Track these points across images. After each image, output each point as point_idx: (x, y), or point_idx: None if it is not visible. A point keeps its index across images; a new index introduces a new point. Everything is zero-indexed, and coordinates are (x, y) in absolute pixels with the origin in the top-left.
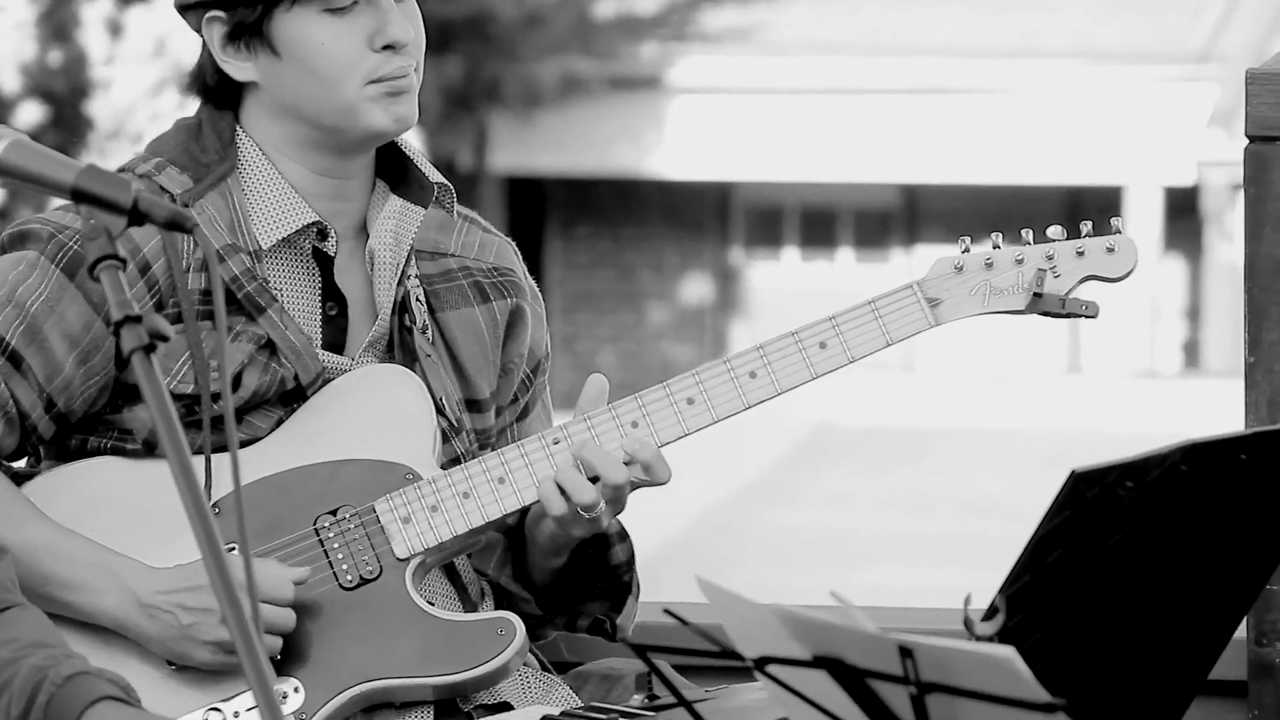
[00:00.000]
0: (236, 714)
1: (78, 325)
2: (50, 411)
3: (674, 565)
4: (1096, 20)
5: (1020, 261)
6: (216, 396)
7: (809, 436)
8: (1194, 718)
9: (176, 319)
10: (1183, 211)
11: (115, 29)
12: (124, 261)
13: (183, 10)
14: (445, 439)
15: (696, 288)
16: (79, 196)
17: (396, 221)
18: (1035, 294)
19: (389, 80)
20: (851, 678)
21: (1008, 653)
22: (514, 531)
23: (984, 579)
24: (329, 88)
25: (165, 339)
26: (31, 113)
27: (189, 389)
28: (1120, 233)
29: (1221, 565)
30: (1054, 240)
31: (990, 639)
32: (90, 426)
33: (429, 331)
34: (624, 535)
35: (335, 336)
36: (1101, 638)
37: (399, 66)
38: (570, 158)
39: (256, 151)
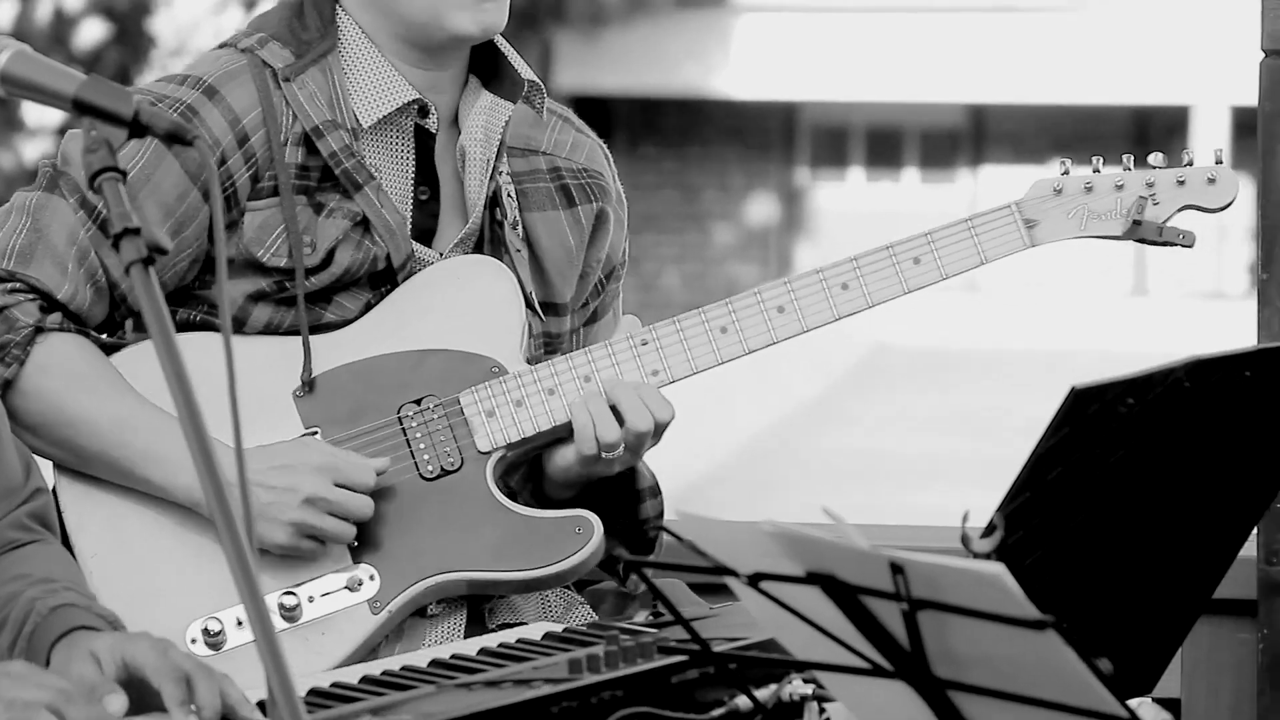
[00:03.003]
0: (311, 599)
1: (172, 195)
2: None
3: (726, 488)
4: None
5: (1120, 187)
6: (310, 271)
7: (866, 358)
8: (1203, 636)
9: (273, 191)
10: (1250, 130)
11: None
12: (124, 174)
13: None
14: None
15: (761, 208)
16: (80, 107)
17: (487, 117)
18: (1135, 221)
19: None
20: (844, 594)
21: (997, 569)
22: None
23: None
24: None
25: (164, 252)
26: (94, 30)
27: (282, 262)
28: (1222, 162)
29: (1226, 483)
30: (1155, 168)
31: (988, 556)
32: (181, 299)
33: (519, 227)
34: (656, 491)
35: (425, 223)
36: (1103, 556)
37: None
38: (636, 77)
39: (358, 32)
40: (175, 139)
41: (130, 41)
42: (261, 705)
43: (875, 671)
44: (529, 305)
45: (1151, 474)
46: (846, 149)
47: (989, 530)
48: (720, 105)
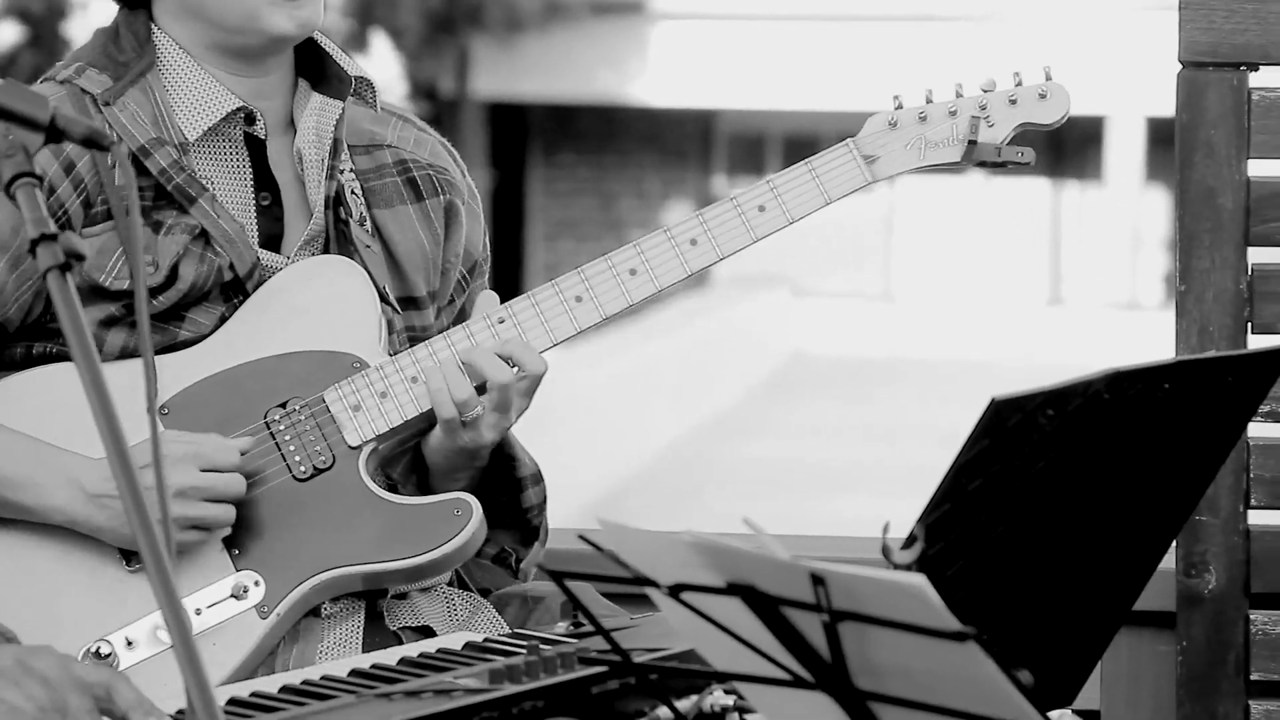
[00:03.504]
0: (198, 610)
1: (6, 229)
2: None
3: (644, 496)
4: None
5: (954, 113)
6: (155, 291)
7: (783, 366)
8: (1123, 648)
9: (106, 216)
10: (1165, 141)
11: None
12: (40, 179)
13: None
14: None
15: (679, 215)
16: None
17: (317, 118)
18: (970, 142)
19: None
20: (765, 605)
21: (918, 580)
22: (417, 449)
23: None
24: None
25: (81, 258)
26: (9, 33)
27: (125, 285)
28: (1051, 79)
29: (1147, 495)
30: (986, 91)
31: (909, 567)
32: (33, 334)
33: (367, 224)
34: (538, 478)
35: (271, 228)
36: (1024, 567)
37: None
38: (553, 83)
39: (175, 47)
40: (92, 144)
41: (45, 45)
42: (179, 716)
43: (796, 683)
44: (384, 299)
45: (1072, 485)
46: (764, 156)
47: (910, 541)
48: (637, 113)
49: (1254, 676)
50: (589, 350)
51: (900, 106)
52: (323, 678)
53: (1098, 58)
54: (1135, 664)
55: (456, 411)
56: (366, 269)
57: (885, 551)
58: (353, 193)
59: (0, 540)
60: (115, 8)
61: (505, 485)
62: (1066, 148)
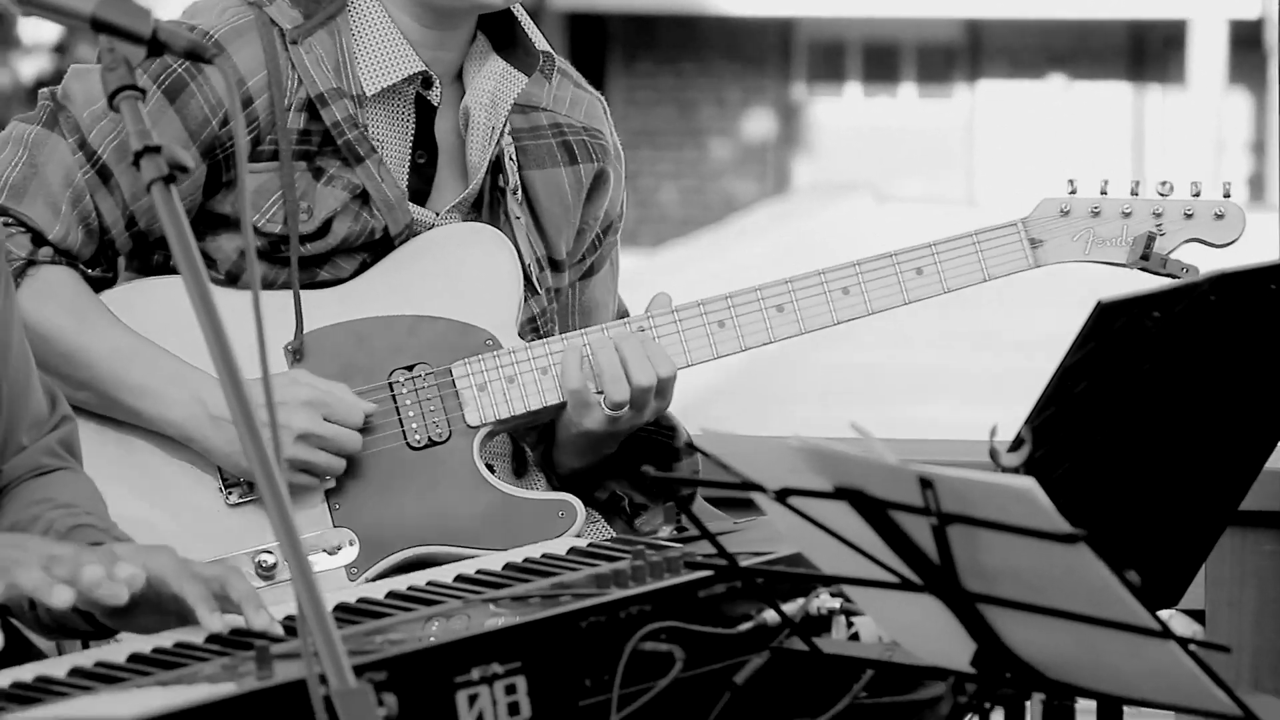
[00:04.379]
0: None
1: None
2: (131, 230)
3: (730, 401)
4: None
5: (1128, 214)
6: (305, 239)
7: None
8: (1227, 549)
9: (272, 155)
10: (1248, 44)
11: None
12: (143, 91)
13: None
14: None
15: (759, 124)
16: (98, 26)
17: (496, 83)
18: (1143, 254)
19: None
20: (873, 509)
21: (1028, 483)
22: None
23: None
24: None
25: (185, 169)
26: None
27: (277, 229)
28: (1230, 195)
29: (1252, 397)
30: (1162, 196)
31: (1016, 470)
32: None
33: (519, 193)
34: (692, 449)
35: (420, 185)
36: (1130, 469)
37: None
38: None
39: None
40: (193, 56)
41: None
42: (289, 621)
43: (904, 585)
44: (527, 280)
45: (1177, 387)
46: (843, 64)
47: (1017, 444)
48: (716, 21)
49: None
50: (673, 257)
51: (1074, 192)
52: (428, 583)
53: None
54: (1240, 564)
55: (605, 410)
56: (516, 244)
57: (993, 454)
58: (510, 159)
59: (107, 455)
60: None
61: (662, 453)
62: (1148, 51)
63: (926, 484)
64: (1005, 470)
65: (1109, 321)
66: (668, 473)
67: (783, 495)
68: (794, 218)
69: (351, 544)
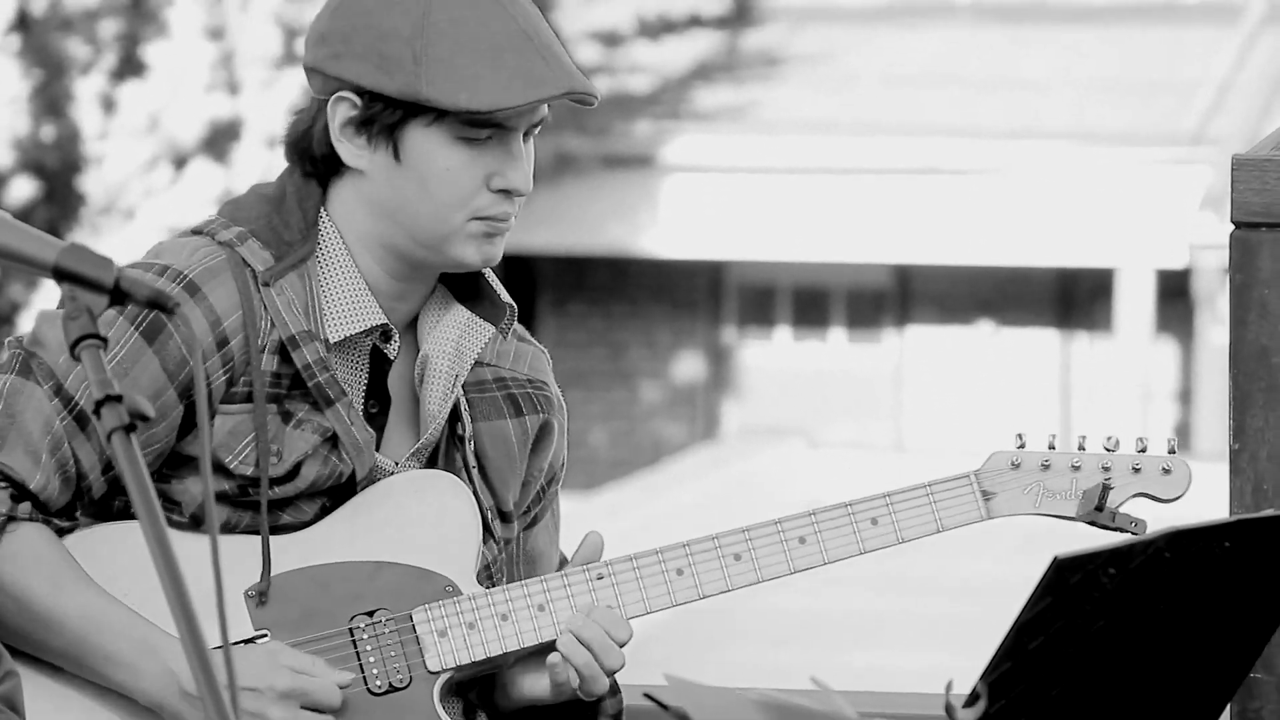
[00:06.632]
0: None
1: (149, 391)
2: (107, 474)
3: (663, 645)
4: (1089, 102)
5: (1077, 468)
6: (274, 481)
7: None
8: None
9: (246, 397)
10: (1174, 294)
11: (108, 105)
12: (104, 340)
13: (311, 71)
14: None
15: (689, 366)
16: (60, 275)
17: (460, 332)
18: (1096, 507)
19: (493, 221)
20: None
21: None
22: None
23: (974, 663)
24: (436, 210)
25: (145, 418)
26: (24, 188)
27: (249, 471)
28: (1175, 452)
29: (1205, 653)
30: (1110, 451)
31: None
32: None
33: (472, 443)
34: (615, 689)
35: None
36: None
37: (506, 211)
38: (563, 235)
39: (337, 239)
40: (156, 306)
41: (60, 199)
42: None
43: None
44: (486, 527)
45: (1132, 643)
46: (774, 307)
47: (972, 699)
48: (648, 264)
49: None
50: (605, 501)
51: (1023, 445)
52: None
53: (1106, 211)
54: None
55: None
56: (476, 495)
57: (949, 710)
58: (465, 410)
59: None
60: (130, 164)
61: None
62: (1076, 299)
63: None
64: None
65: (1065, 577)
66: None
67: None
68: (728, 462)
69: None
